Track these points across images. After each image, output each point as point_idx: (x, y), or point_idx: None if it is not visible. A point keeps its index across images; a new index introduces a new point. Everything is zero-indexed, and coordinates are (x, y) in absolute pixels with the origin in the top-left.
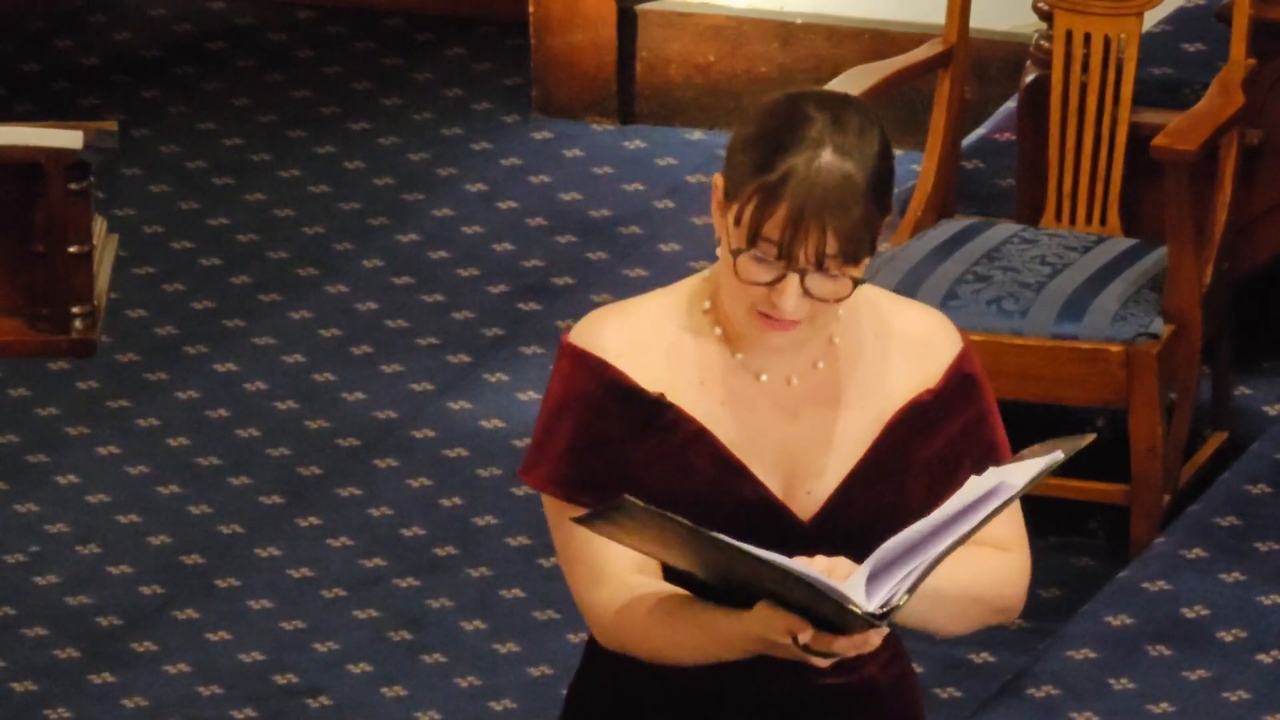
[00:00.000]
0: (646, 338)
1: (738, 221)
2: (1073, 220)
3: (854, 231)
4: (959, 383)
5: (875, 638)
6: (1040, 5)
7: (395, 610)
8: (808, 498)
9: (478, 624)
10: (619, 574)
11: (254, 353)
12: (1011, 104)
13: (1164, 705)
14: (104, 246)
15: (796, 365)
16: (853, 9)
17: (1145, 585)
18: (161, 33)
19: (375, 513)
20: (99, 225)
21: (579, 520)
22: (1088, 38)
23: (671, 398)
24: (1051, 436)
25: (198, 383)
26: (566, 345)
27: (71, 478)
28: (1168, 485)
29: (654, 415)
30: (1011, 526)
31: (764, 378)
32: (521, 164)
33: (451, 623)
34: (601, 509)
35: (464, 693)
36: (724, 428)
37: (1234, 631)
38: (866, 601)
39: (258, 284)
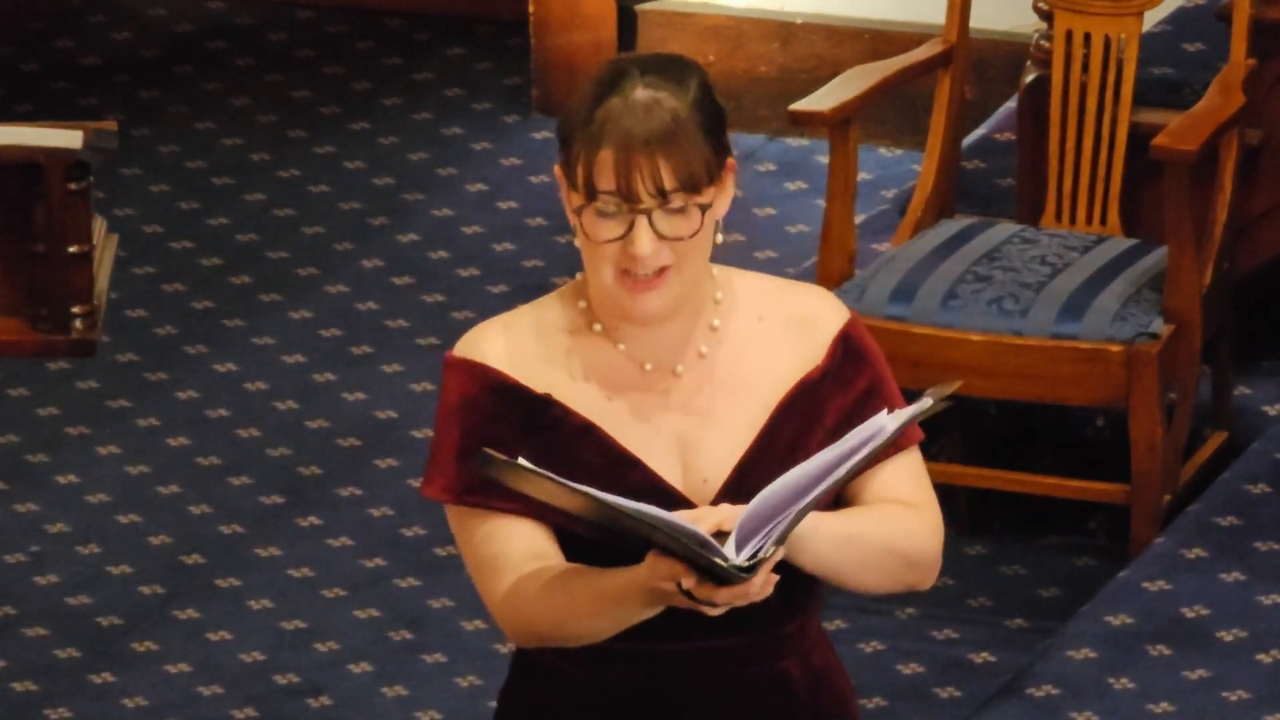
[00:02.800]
0: (528, 344)
1: (573, 184)
2: (1073, 220)
3: (685, 157)
4: (845, 355)
5: (762, 588)
6: (1040, 5)
7: (395, 610)
8: (704, 485)
9: (478, 624)
10: (516, 565)
11: (254, 353)
12: (1011, 104)
13: (1164, 705)
14: (104, 246)
15: (682, 354)
16: (853, 9)
17: (1145, 585)
18: (161, 33)
19: (375, 513)
20: (99, 225)
21: (480, 464)
22: (1088, 38)
23: (558, 397)
24: (1051, 436)
25: (198, 383)
26: (450, 359)
27: (71, 478)
28: (1168, 485)
29: (539, 413)
30: (917, 486)
31: (648, 366)
32: (521, 164)
33: (451, 623)
34: (478, 461)
35: (464, 693)
36: (612, 421)
37: (1234, 631)
38: (735, 554)
39: (258, 284)
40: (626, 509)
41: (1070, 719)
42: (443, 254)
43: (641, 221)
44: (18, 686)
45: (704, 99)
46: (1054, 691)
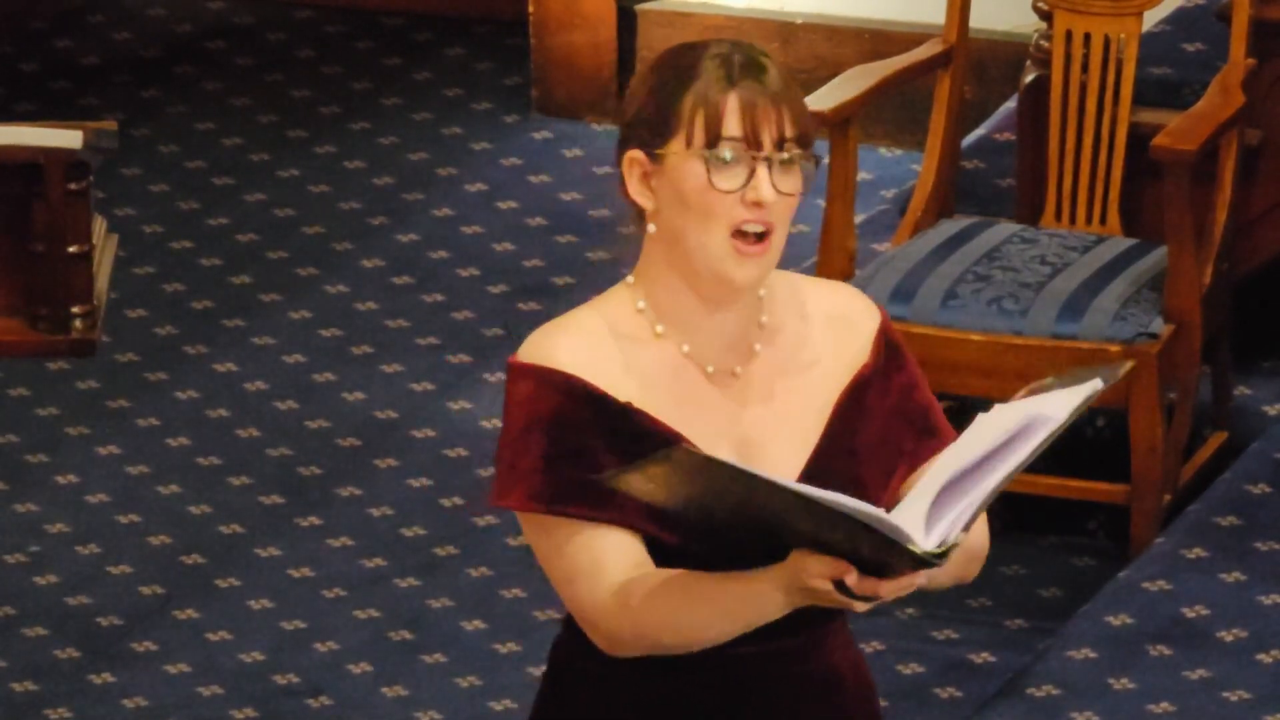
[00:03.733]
0: (596, 349)
1: (690, 144)
2: (1073, 220)
3: (801, 108)
4: (887, 353)
5: (919, 578)
6: (1040, 5)
7: (395, 610)
8: None
9: (478, 624)
10: (618, 574)
11: (254, 353)
12: (1011, 104)
13: (1164, 705)
14: (104, 246)
15: (738, 352)
16: (853, 9)
17: (1145, 585)
18: (161, 33)
19: (375, 513)
20: (99, 225)
21: (607, 477)
22: (1088, 38)
23: (635, 404)
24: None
25: (198, 383)
26: (524, 366)
27: (71, 478)
28: (1168, 485)
29: (624, 423)
30: None
31: (710, 369)
32: (521, 164)
33: (451, 623)
34: (651, 457)
35: (464, 693)
36: (688, 428)
37: (1234, 631)
38: (925, 540)
39: (258, 284)
40: (823, 498)
41: (1070, 719)
42: (443, 254)
43: (762, 168)
44: (17, 687)
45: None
46: (1054, 691)
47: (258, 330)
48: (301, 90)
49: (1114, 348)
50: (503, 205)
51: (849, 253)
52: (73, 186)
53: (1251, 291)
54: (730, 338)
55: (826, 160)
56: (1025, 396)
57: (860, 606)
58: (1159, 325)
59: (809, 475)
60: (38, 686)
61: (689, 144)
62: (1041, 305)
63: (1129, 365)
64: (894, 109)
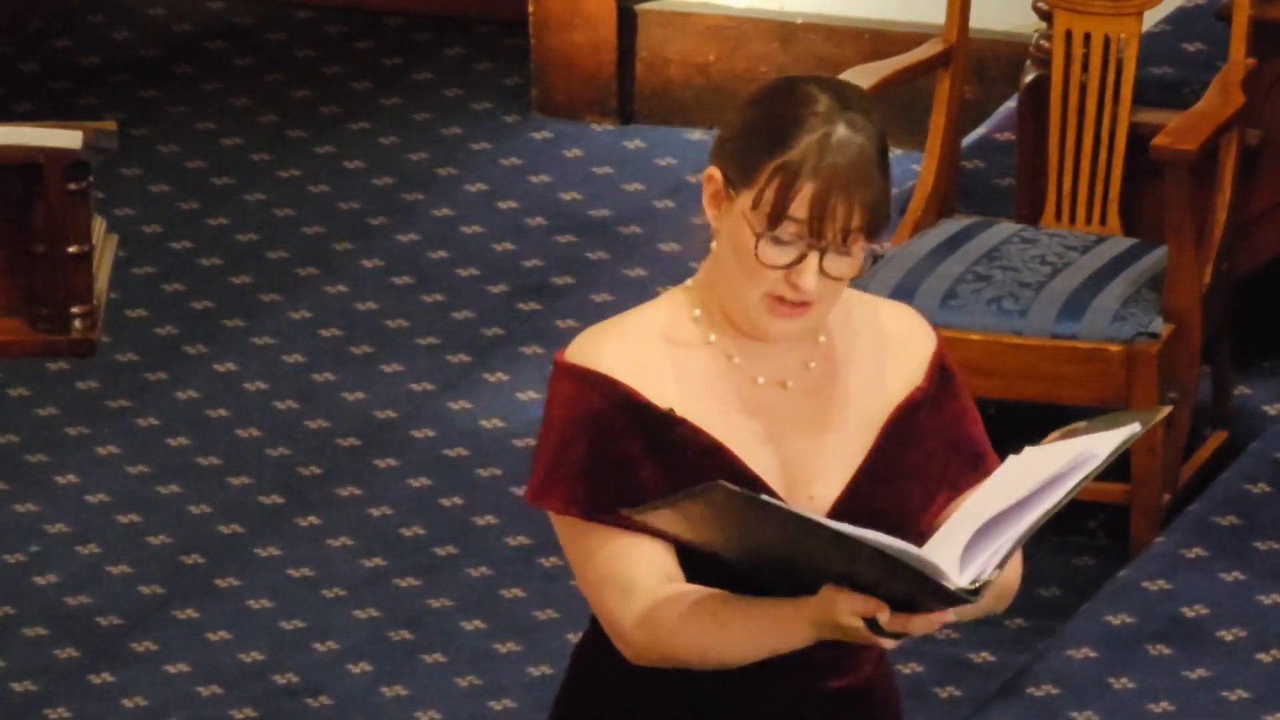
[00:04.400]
0: (645, 353)
1: (755, 206)
2: (1073, 220)
3: (877, 204)
4: (941, 379)
5: (949, 615)
6: (1040, 5)
7: (395, 610)
8: (810, 503)
9: (478, 624)
10: (651, 586)
11: (254, 353)
12: (1011, 104)
13: (1164, 705)
14: (104, 246)
15: (789, 367)
16: (853, 9)
17: (1145, 585)
18: (161, 33)
19: (375, 513)
20: (99, 225)
21: (636, 511)
22: (1088, 37)
23: (679, 412)
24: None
25: (198, 383)
26: (569, 366)
27: (71, 478)
28: (1168, 485)
29: (666, 431)
30: None
31: (760, 380)
32: (521, 164)
33: (451, 623)
34: (686, 493)
35: (464, 693)
36: (732, 439)
37: (1234, 631)
38: (959, 577)
39: (258, 284)
40: (858, 536)
41: (1070, 719)
42: (443, 254)
43: (814, 256)
44: (17, 687)
45: (883, 138)
46: (1054, 691)
47: (258, 330)
48: (301, 90)
49: (1114, 347)
50: (503, 205)
51: None
52: (73, 186)
53: (1251, 291)
54: (782, 353)
55: None
56: (1059, 439)
57: (888, 643)
58: (1159, 325)
59: (852, 492)
60: (38, 686)
61: (755, 205)
62: (1041, 305)
63: (1166, 411)
64: (894, 109)
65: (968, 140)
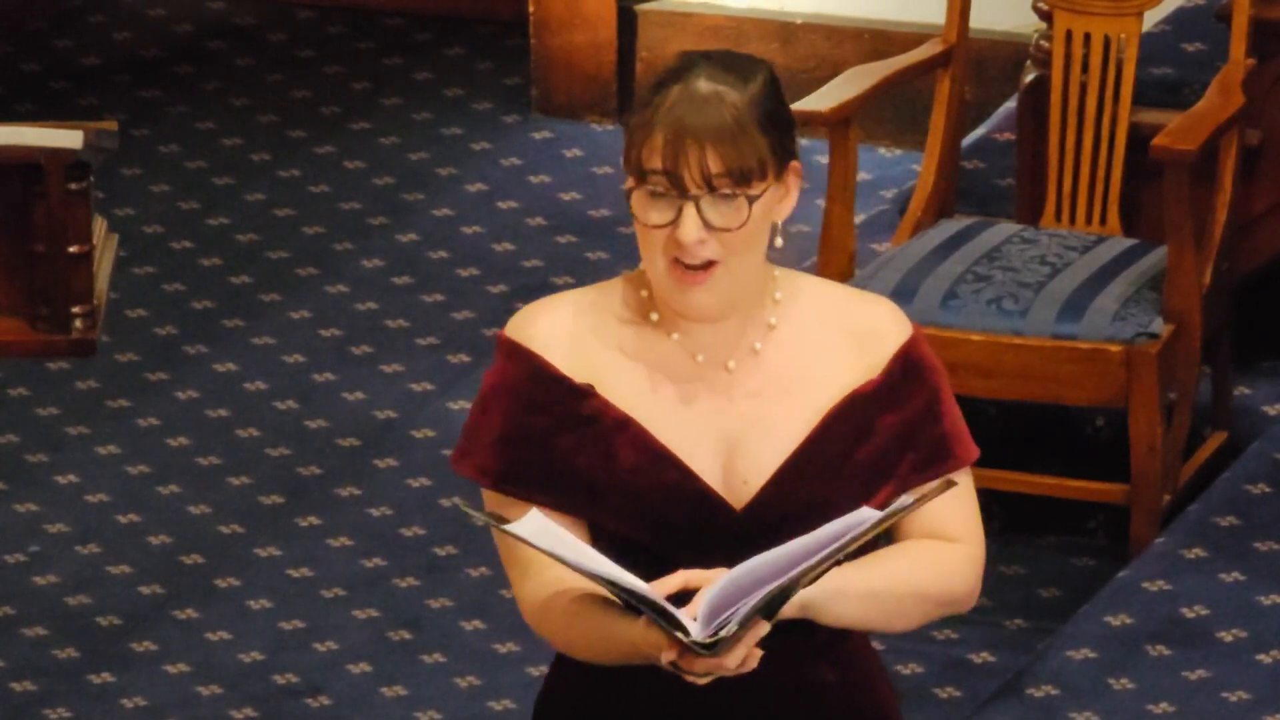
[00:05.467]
0: (579, 327)
1: (627, 164)
2: (1073, 220)
3: (736, 150)
4: (903, 373)
5: (743, 662)
6: (1040, 5)
7: (395, 610)
8: (744, 486)
9: (477, 624)
10: (542, 568)
11: (254, 353)
12: (1011, 104)
13: (1164, 705)
14: (104, 246)
15: (735, 349)
16: (853, 9)
17: (1145, 585)
18: (161, 33)
19: (375, 513)
20: (99, 225)
21: (488, 519)
22: (1088, 38)
23: (603, 385)
24: (1051, 436)
25: (198, 383)
26: (500, 338)
27: (71, 478)
28: (1168, 485)
29: (578, 404)
30: (964, 519)
31: (700, 358)
32: (521, 164)
33: (451, 623)
34: (494, 521)
35: (464, 693)
36: (655, 414)
37: (1234, 631)
38: (700, 629)
39: (258, 284)
40: (594, 572)
41: (1070, 719)
42: (442, 254)
43: (689, 208)
44: (17, 687)
45: (767, 98)
46: (1054, 691)
47: (258, 330)
48: (302, 90)
49: (1114, 348)
50: (503, 205)
51: (849, 253)
52: (73, 186)
53: (1251, 291)
54: (726, 334)
55: (826, 160)
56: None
57: (693, 679)
58: (1159, 325)
59: (783, 476)
60: (37, 686)
61: (625, 165)
62: (1041, 305)
63: (944, 486)
64: (894, 109)
65: (968, 140)
